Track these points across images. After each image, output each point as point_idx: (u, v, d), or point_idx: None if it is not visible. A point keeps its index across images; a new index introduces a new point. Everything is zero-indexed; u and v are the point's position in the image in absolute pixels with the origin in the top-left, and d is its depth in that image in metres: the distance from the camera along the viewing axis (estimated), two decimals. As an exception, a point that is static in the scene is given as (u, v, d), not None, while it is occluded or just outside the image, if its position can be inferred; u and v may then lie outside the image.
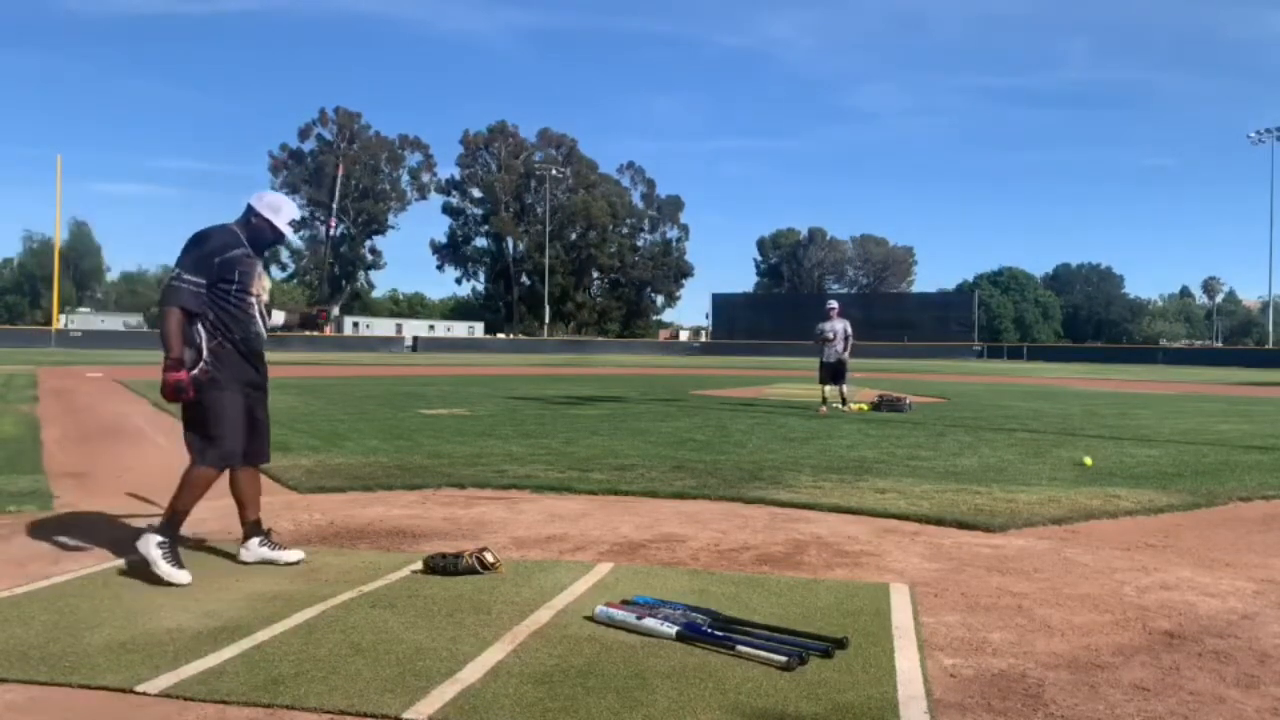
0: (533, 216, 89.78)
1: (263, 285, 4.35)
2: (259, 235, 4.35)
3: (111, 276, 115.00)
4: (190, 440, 4.22)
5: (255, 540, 4.38)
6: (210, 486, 4.23)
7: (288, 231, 4.40)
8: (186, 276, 4.09)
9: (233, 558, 4.43)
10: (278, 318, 4.65)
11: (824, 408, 13.66)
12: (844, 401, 13.97)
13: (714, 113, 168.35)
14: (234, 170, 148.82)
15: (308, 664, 3.02)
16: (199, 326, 4.16)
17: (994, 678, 3.02)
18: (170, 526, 4.11)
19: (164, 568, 3.98)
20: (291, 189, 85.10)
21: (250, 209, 4.34)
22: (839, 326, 14.09)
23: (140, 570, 4.21)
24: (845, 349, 14.10)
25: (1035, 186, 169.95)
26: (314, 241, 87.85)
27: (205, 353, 4.16)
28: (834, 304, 14.57)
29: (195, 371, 4.12)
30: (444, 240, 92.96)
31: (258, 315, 4.32)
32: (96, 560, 4.39)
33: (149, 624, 3.42)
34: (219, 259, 4.14)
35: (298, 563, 4.32)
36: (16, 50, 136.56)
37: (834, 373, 14.03)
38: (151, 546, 4.04)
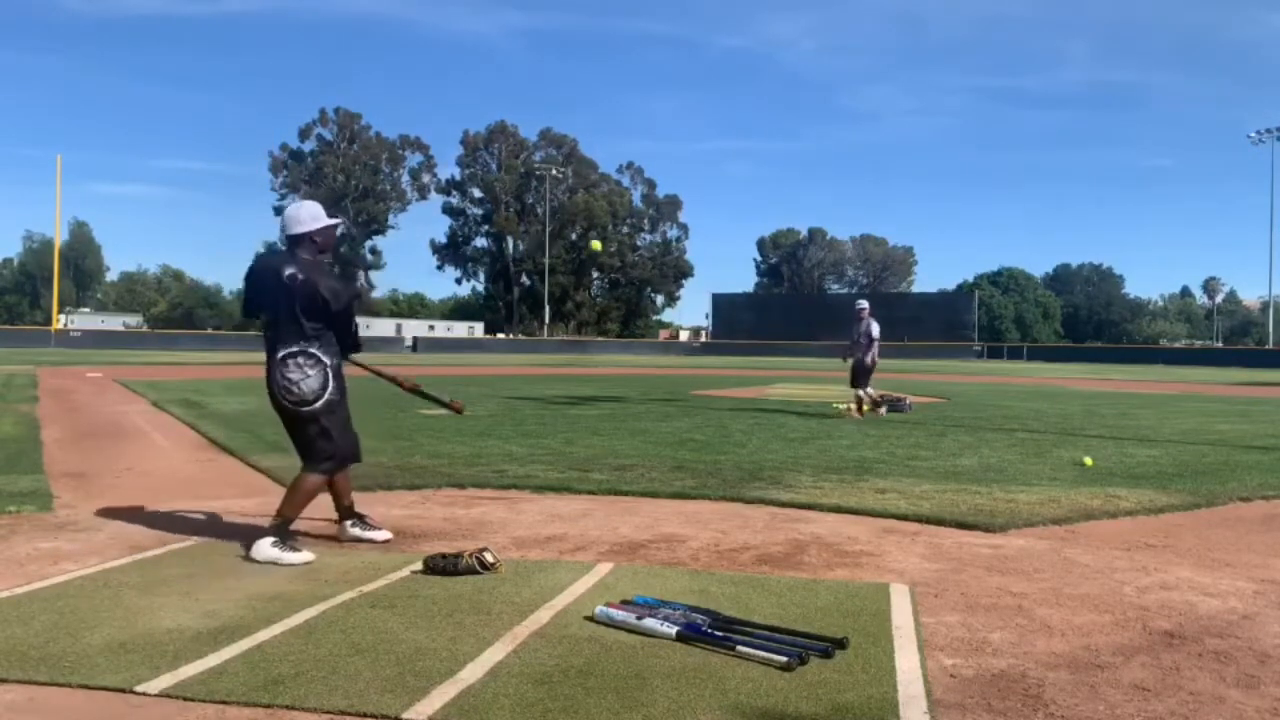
0: (533, 216, 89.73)
1: None
2: (326, 245, 4.72)
3: (111, 276, 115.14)
4: (309, 450, 4.58)
5: (349, 522, 4.83)
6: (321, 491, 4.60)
7: (332, 221, 4.75)
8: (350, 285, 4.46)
9: (234, 558, 4.43)
10: None
11: (858, 413, 12.74)
12: (860, 406, 12.93)
13: (714, 113, 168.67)
14: (234, 170, 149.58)
15: (308, 664, 3.02)
16: (322, 347, 4.50)
17: (994, 678, 3.01)
18: (282, 529, 4.41)
19: (288, 558, 4.27)
20: (291, 189, 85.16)
21: (303, 236, 4.57)
22: (860, 329, 13.10)
23: (140, 570, 4.21)
24: (867, 353, 13.06)
25: (1035, 186, 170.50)
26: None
27: (330, 371, 4.56)
28: (863, 304, 13.41)
29: (330, 391, 4.53)
30: (444, 240, 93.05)
31: None
32: (96, 560, 4.39)
33: (149, 624, 3.42)
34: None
35: (386, 541, 4.76)
36: (17, 50, 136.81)
37: (852, 375, 13.20)
38: (267, 548, 4.28)
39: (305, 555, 4.32)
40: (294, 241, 4.58)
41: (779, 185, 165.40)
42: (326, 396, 4.52)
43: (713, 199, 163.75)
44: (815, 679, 2.94)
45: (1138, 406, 16.32)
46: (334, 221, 4.74)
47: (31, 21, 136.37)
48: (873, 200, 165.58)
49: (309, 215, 4.64)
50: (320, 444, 4.57)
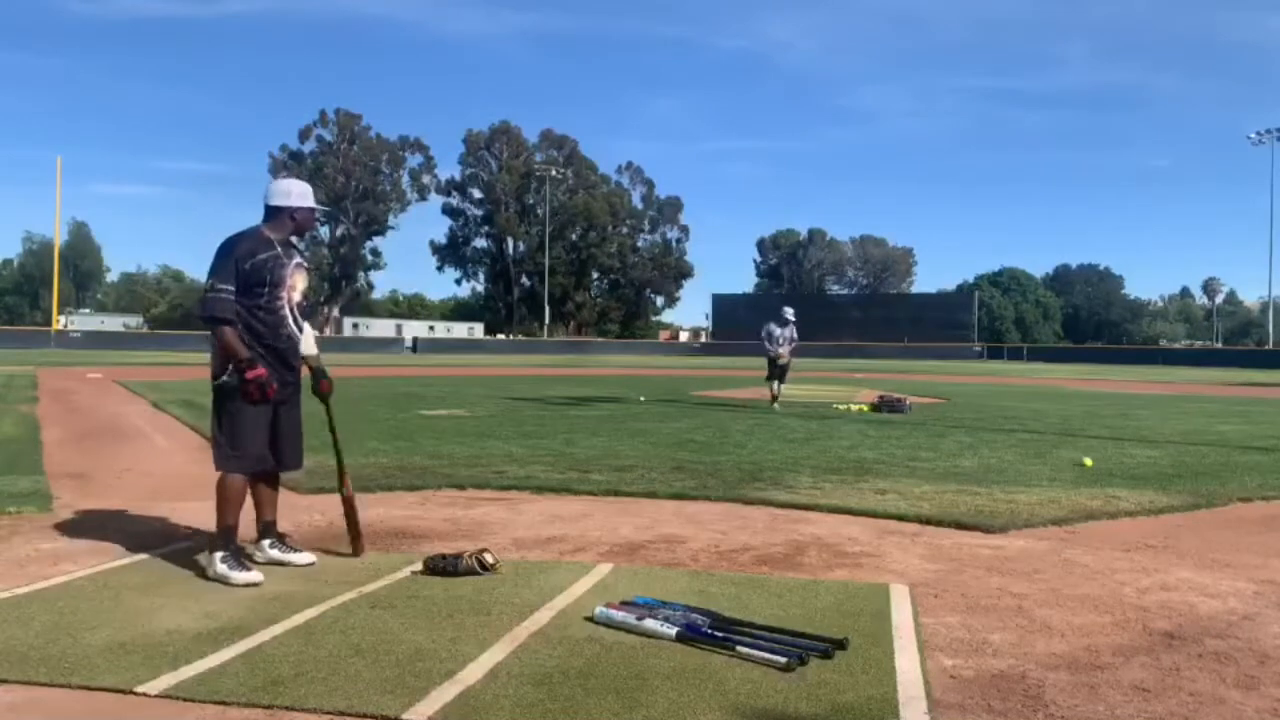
0: (533, 217, 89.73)
1: (296, 285, 4.30)
2: (304, 226, 4.37)
3: (111, 277, 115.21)
4: (216, 448, 4.23)
5: (267, 541, 4.40)
6: (245, 493, 4.24)
7: (317, 206, 4.43)
8: (221, 285, 4.09)
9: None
10: (308, 342, 4.46)
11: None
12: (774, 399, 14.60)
13: (714, 113, 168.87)
14: (234, 171, 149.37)
15: (308, 665, 3.02)
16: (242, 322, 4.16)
17: (994, 678, 3.01)
18: (225, 541, 4.12)
19: (236, 576, 3.99)
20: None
21: (280, 209, 4.28)
22: (786, 332, 14.94)
23: (140, 571, 4.21)
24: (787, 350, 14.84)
25: (1035, 186, 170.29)
26: (314, 241, 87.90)
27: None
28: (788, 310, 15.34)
29: (225, 378, 4.13)
30: (444, 241, 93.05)
31: (289, 317, 4.28)
32: (96, 560, 4.38)
33: (149, 625, 3.42)
34: (247, 264, 4.12)
35: (310, 565, 4.32)
36: (18, 51, 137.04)
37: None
38: (217, 564, 4.05)
39: (254, 575, 4.01)
40: (271, 213, 4.28)
41: (779, 185, 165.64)
42: (224, 378, 4.13)
43: (713, 199, 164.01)
44: (815, 679, 2.94)
45: (1138, 407, 16.32)
46: (321, 207, 4.46)
47: (31, 21, 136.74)
48: (873, 200, 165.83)
49: (298, 191, 4.32)
50: (219, 442, 4.20)
